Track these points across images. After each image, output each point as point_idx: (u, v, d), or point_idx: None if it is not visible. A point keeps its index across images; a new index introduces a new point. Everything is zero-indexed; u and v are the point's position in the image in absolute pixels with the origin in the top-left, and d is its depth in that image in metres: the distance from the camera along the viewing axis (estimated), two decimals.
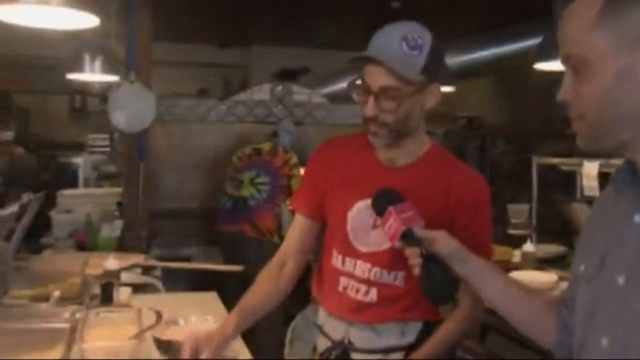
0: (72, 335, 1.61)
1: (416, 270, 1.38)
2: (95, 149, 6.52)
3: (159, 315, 1.66)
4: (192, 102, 4.49)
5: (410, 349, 1.72)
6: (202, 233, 4.59)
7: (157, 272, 2.90)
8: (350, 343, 1.76)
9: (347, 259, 1.74)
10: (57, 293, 2.10)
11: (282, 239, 2.72)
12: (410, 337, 1.73)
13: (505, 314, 1.36)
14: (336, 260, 1.77)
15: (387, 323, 1.72)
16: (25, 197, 2.09)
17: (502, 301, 1.36)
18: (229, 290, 2.55)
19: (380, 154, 1.75)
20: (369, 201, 1.62)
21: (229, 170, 4.36)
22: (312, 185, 1.84)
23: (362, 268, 1.71)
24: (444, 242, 1.37)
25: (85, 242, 3.64)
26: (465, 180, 1.71)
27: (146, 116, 3.81)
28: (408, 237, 1.39)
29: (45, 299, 2.14)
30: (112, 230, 3.76)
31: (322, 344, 1.83)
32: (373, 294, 1.71)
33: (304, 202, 1.87)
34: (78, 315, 1.70)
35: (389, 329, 1.73)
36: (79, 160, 6.19)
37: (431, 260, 1.36)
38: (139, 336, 1.57)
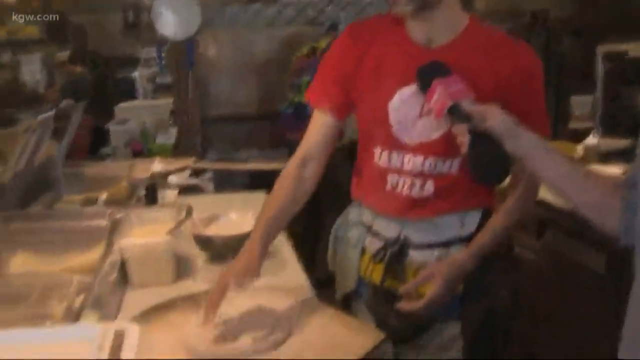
0: (112, 233, 1.63)
1: (464, 149, 1.29)
2: (150, 62, 6.54)
3: (189, 211, 1.66)
4: (238, 8, 4.39)
5: (470, 240, 1.60)
6: (260, 137, 4.56)
7: (208, 175, 2.91)
8: (406, 239, 1.62)
9: (394, 154, 1.58)
10: (104, 196, 2.14)
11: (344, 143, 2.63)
12: (470, 227, 1.61)
13: (565, 196, 1.24)
14: (379, 157, 1.61)
15: (446, 215, 1.60)
16: (64, 103, 2.11)
17: (563, 182, 1.23)
18: None
19: (413, 32, 1.58)
20: (411, 88, 1.50)
21: (289, 74, 4.24)
22: (338, 78, 1.63)
23: (413, 161, 1.56)
24: (494, 117, 1.25)
25: (142, 150, 3.71)
26: (515, 55, 1.56)
27: (192, 23, 3.77)
28: (455, 112, 1.30)
29: (95, 202, 2.18)
30: (167, 138, 3.83)
31: (373, 244, 1.67)
32: (430, 187, 1.57)
33: (327, 99, 1.64)
34: (119, 215, 1.72)
35: (448, 221, 1.60)
36: (135, 74, 6.24)
37: (480, 137, 1.26)
38: (172, 231, 1.57)
